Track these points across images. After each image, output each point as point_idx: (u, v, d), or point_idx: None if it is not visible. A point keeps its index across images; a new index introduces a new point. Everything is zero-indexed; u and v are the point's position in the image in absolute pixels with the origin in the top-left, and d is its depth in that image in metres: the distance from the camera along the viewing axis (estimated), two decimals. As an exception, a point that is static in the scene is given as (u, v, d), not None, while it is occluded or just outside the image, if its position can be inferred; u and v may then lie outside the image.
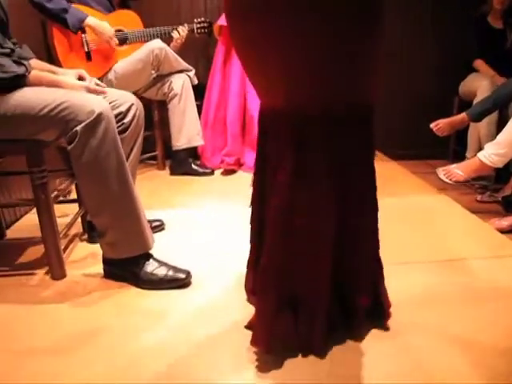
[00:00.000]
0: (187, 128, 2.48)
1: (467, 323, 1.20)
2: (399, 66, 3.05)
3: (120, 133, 1.45)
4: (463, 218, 1.96)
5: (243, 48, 1.03)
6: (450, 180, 2.06)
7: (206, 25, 2.61)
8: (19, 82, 1.29)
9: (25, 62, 1.34)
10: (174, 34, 2.48)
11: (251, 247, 1.23)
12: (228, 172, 2.55)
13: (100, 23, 2.22)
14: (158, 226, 1.80)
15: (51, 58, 2.26)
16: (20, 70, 1.29)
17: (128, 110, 1.58)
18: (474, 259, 1.57)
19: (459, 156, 2.81)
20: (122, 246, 1.38)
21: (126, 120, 1.57)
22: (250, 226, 1.21)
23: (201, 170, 2.56)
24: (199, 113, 2.62)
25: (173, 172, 2.60)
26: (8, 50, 1.40)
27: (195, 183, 2.48)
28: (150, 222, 1.53)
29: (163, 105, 2.57)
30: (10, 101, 1.26)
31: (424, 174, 2.70)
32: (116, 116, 1.55)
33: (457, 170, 2.06)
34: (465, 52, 2.84)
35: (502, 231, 1.85)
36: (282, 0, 0.88)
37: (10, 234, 1.88)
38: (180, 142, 2.50)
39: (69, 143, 1.27)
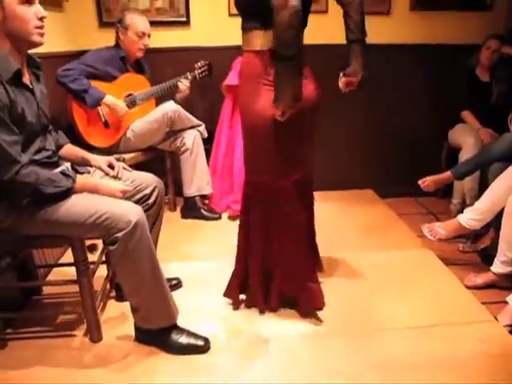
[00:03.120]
0: (197, 178, 2.74)
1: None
2: (392, 108, 3.26)
3: (145, 211, 1.69)
4: (442, 277, 2.21)
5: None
6: (434, 237, 2.33)
7: (206, 68, 2.82)
8: (69, 193, 1.53)
9: (71, 174, 1.58)
10: (180, 85, 2.70)
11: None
12: (234, 217, 2.80)
13: (114, 102, 2.48)
14: (176, 285, 2.06)
15: (72, 127, 2.51)
16: (68, 183, 1.53)
17: (152, 191, 1.83)
18: (445, 326, 1.82)
19: (447, 193, 3.08)
20: (152, 319, 1.65)
21: (150, 201, 1.83)
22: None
23: (210, 215, 2.83)
24: (207, 156, 2.87)
25: (184, 215, 2.86)
26: (50, 153, 1.64)
27: (205, 228, 2.75)
28: (168, 280, 1.78)
29: (175, 154, 2.82)
30: (60, 209, 1.50)
31: (411, 216, 2.99)
32: (141, 198, 1.81)
33: (439, 229, 2.32)
34: (456, 99, 3.04)
35: (477, 288, 2.13)
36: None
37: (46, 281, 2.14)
38: (191, 190, 2.76)
39: (109, 245, 1.52)
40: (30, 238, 1.58)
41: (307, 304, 1.87)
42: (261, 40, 1.63)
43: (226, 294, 1.96)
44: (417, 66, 3.15)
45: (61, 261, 2.35)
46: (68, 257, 2.24)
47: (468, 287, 2.12)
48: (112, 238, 1.50)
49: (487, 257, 2.34)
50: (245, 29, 1.69)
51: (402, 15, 3.09)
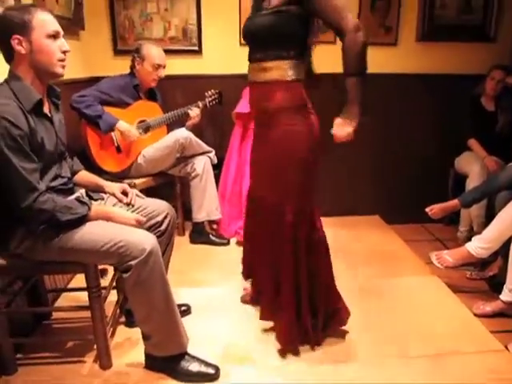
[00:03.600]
0: (207, 203, 2.77)
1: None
2: (399, 135, 3.31)
3: (157, 238, 1.71)
4: (451, 304, 2.22)
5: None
6: (441, 265, 2.34)
7: (216, 96, 2.89)
8: (84, 220, 1.56)
9: (87, 201, 1.62)
10: (191, 113, 2.76)
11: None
12: (242, 243, 2.81)
13: (127, 128, 2.54)
14: (186, 311, 2.07)
15: (85, 151, 2.57)
16: (84, 210, 1.56)
17: (164, 218, 1.86)
18: (454, 355, 1.82)
19: (454, 220, 3.10)
20: (163, 347, 1.65)
21: (162, 228, 1.86)
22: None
23: (218, 240, 2.85)
24: (216, 181, 2.91)
25: (193, 241, 2.88)
26: (65, 180, 1.68)
27: (214, 253, 2.77)
28: (178, 306, 1.74)
29: (185, 179, 2.86)
30: (75, 237, 1.53)
31: (419, 242, 3.01)
32: (153, 225, 1.84)
33: (447, 257, 2.33)
34: (462, 127, 3.08)
35: (486, 316, 2.12)
36: None
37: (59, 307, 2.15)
38: (200, 215, 2.79)
39: (123, 272, 1.54)
40: (43, 263, 1.60)
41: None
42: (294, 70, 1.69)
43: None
44: (423, 94, 3.21)
45: (70, 285, 2.37)
46: (77, 281, 2.28)
47: (477, 315, 2.12)
48: (126, 266, 1.52)
49: (495, 284, 2.34)
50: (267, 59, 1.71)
51: (408, 46, 3.16)
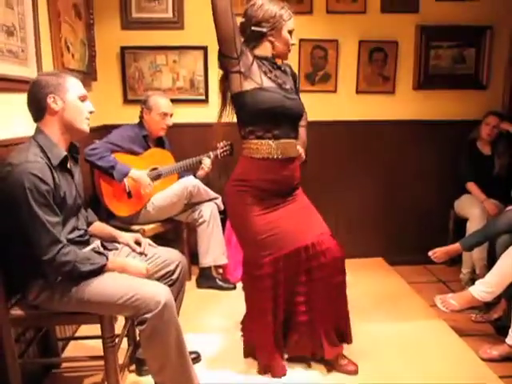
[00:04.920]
0: (213, 249, 2.82)
1: None
2: (399, 180, 3.41)
3: (169, 286, 1.76)
4: (457, 348, 2.24)
5: None
6: (447, 309, 2.36)
7: (228, 147, 2.99)
8: (102, 270, 1.61)
9: (104, 252, 1.68)
10: (203, 164, 2.85)
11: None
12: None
13: (140, 176, 2.62)
14: (196, 359, 2.08)
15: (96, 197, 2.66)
16: (102, 260, 1.62)
17: (176, 267, 1.91)
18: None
19: (456, 261, 3.13)
20: (177, 395, 1.67)
21: (174, 276, 1.91)
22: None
23: (225, 285, 2.88)
24: (223, 225, 2.95)
25: (199, 285, 2.92)
26: (82, 232, 1.75)
27: (220, 298, 2.80)
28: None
29: (191, 224, 2.92)
30: (92, 289, 1.57)
31: (422, 284, 3.05)
32: (165, 274, 1.89)
33: (452, 301, 2.36)
34: (461, 170, 3.16)
35: (493, 360, 2.14)
36: None
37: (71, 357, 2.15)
38: (206, 260, 2.84)
39: (138, 325, 1.58)
40: (60, 314, 1.64)
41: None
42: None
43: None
44: (421, 140, 3.33)
45: (78, 332, 2.38)
46: (86, 329, 2.27)
47: (484, 359, 2.14)
48: (141, 319, 1.56)
49: (501, 327, 2.36)
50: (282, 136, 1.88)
51: (405, 94, 3.31)
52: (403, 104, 3.31)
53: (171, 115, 2.80)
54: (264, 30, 1.81)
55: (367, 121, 3.23)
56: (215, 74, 3.17)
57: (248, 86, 1.80)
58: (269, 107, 1.79)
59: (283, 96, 1.82)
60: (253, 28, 1.81)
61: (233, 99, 1.90)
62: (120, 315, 1.67)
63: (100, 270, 1.60)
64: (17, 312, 1.64)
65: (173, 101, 2.90)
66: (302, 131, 2.08)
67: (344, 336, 2.02)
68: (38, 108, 1.59)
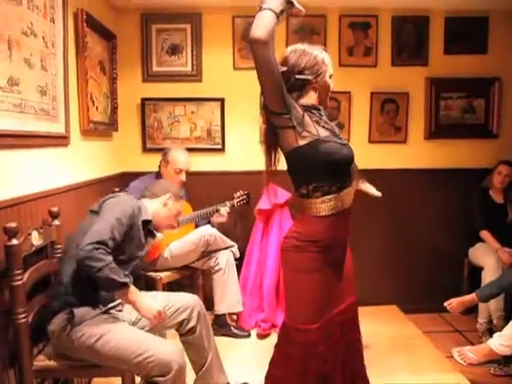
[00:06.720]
0: (229, 296, 2.83)
1: None
2: (412, 228, 3.44)
3: (190, 335, 1.81)
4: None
5: None
6: (465, 362, 2.34)
7: (244, 197, 3.06)
8: (122, 288, 1.67)
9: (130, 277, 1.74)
10: (220, 212, 2.91)
11: None
12: (263, 336, 2.86)
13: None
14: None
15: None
16: (127, 280, 1.68)
17: (190, 314, 1.95)
18: None
19: (472, 310, 3.09)
20: None
21: (192, 323, 1.95)
22: None
23: (240, 333, 2.88)
24: (238, 271, 2.98)
25: (214, 333, 2.88)
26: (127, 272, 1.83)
27: (235, 346, 2.79)
28: None
29: (207, 271, 2.95)
30: (109, 342, 1.62)
31: (437, 334, 3.02)
32: (181, 322, 1.92)
33: (470, 354, 2.34)
34: (474, 218, 3.18)
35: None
36: None
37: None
38: (222, 307, 2.85)
39: None
40: (83, 366, 1.68)
41: None
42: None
43: None
44: (433, 188, 3.38)
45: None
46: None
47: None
48: (152, 381, 1.60)
49: (521, 383, 2.33)
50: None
51: (417, 143, 3.39)
52: (415, 153, 3.39)
53: (187, 171, 2.86)
54: (309, 77, 1.66)
55: (380, 169, 3.28)
56: (231, 123, 3.34)
57: (305, 139, 1.59)
58: (332, 159, 1.60)
59: (339, 144, 1.64)
60: (297, 76, 1.65)
61: (286, 157, 1.68)
62: (131, 372, 1.69)
63: (120, 286, 1.66)
64: (39, 363, 1.68)
65: (190, 150, 3.00)
66: None
67: None
68: None
